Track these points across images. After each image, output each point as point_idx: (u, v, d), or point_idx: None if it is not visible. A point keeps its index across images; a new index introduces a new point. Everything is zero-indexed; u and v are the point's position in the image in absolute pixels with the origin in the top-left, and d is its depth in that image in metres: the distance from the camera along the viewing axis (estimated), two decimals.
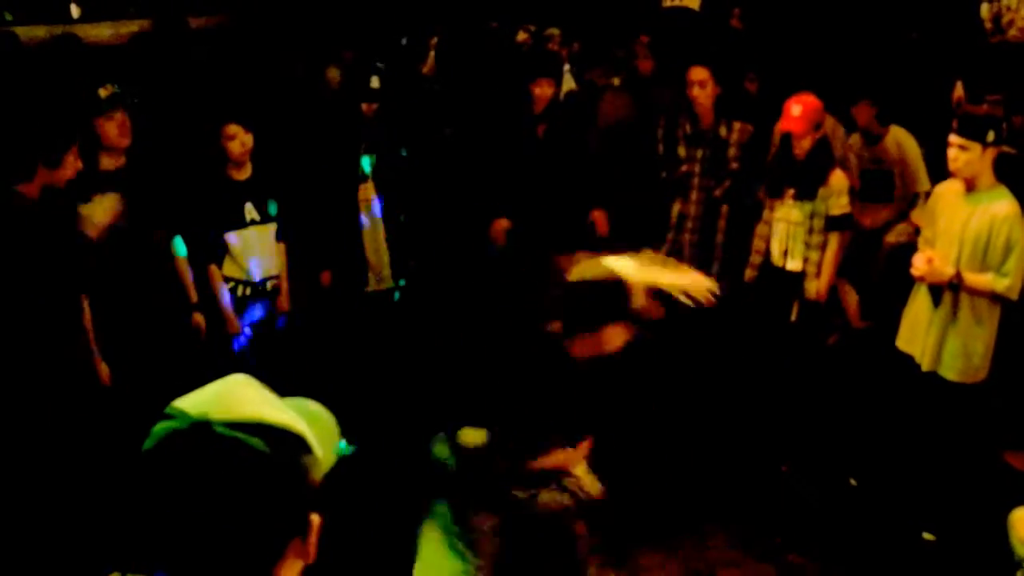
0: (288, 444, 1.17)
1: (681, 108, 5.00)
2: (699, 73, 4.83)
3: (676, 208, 5.05)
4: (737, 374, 5.01)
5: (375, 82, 4.97)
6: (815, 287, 4.48)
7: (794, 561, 3.97)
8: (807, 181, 4.42)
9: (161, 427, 1.15)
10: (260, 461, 1.13)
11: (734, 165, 4.94)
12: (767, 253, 4.63)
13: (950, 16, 6.46)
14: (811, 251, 4.45)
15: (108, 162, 3.99)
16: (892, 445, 4.36)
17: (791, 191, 4.48)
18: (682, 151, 4.98)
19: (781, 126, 4.41)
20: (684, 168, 4.98)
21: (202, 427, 1.12)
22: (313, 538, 1.22)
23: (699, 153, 4.95)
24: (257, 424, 1.14)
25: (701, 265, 4.94)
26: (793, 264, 4.52)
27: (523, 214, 5.29)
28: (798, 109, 4.35)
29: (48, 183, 3.46)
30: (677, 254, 5.04)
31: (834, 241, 4.45)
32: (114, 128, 3.91)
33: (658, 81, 5.93)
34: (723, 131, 4.93)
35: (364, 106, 4.98)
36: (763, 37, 6.81)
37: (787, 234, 4.53)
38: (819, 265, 4.45)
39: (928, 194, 5.02)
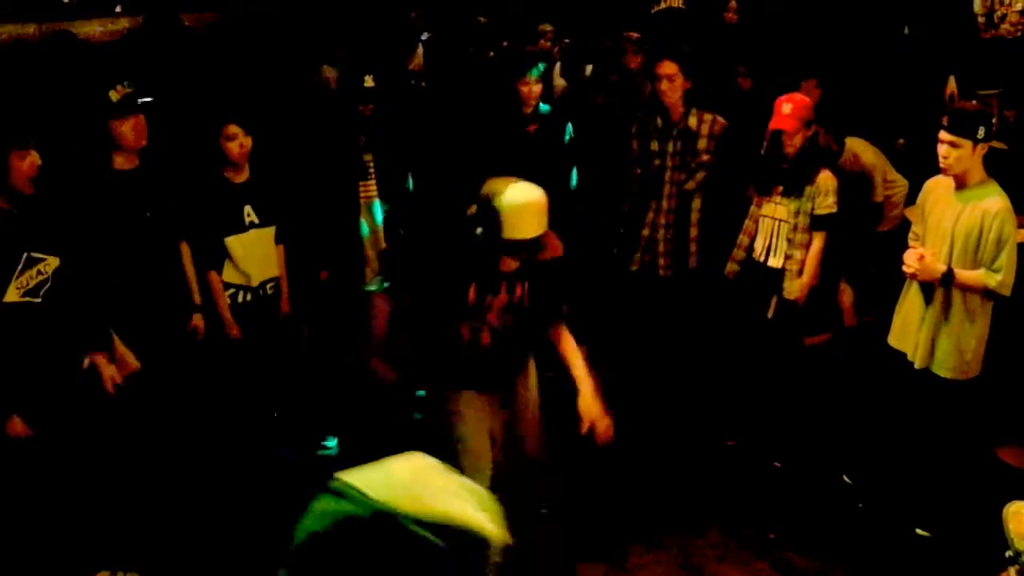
0: (475, 547, 1.10)
1: (654, 103, 4.97)
2: (667, 67, 4.77)
3: (652, 204, 5.02)
4: (730, 369, 5.01)
5: (369, 81, 4.91)
6: (796, 286, 4.46)
7: (787, 557, 3.97)
8: (794, 178, 4.41)
9: (331, 507, 1.07)
10: (444, 561, 1.05)
11: (705, 157, 4.87)
12: (750, 248, 4.62)
13: (943, 11, 6.45)
14: (794, 249, 4.44)
15: (122, 162, 3.93)
16: (885, 442, 4.36)
17: (779, 188, 4.47)
18: (655, 146, 4.94)
19: (772, 124, 4.39)
20: (657, 163, 4.95)
21: (387, 519, 1.04)
22: None
23: (671, 146, 4.90)
24: (445, 524, 1.06)
25: (677, 260, 4.96)
26: (775, 261, 4.51)
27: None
28: (788, 107, 4.34)
29: (12, 192, 3.36)
30: (652, 250, 5.02)
31: (818, 241, 4.42)
32: (130, 130, 3.84)
33: (646, 76, 5.93)
34: (693, 123, 4.87)
35: (360, 106, 4.94)
36: (756, 32, 6.81)
37: (771, 231, 4.52)
38: (801, 264, 4.44)
39: (881, 205, 5.06)
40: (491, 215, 3.07)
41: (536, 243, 3.11)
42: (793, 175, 4.42)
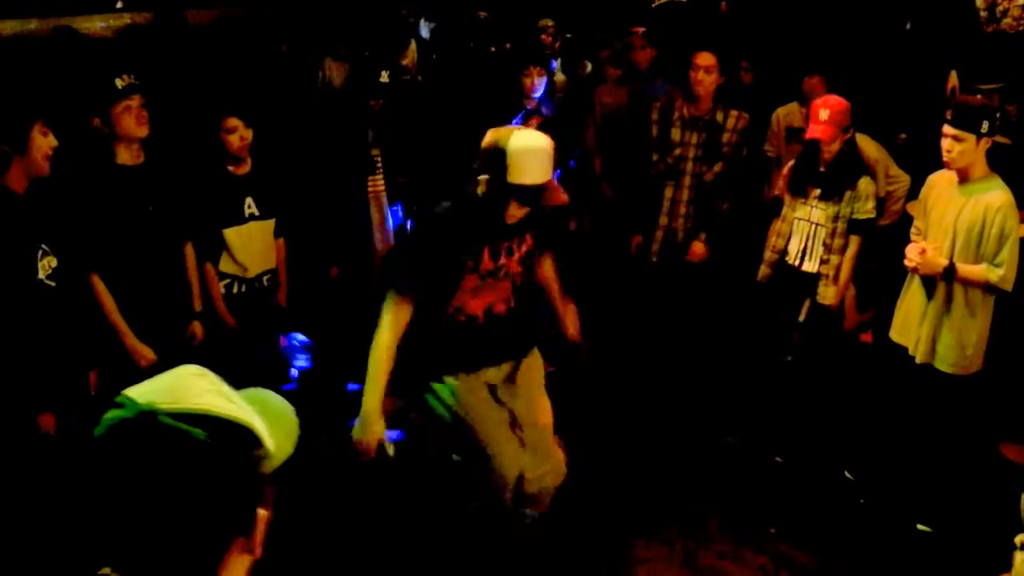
0: (235, 437, 1.17)
1: (679, 92, 4.99)
2: (706, 59, 4.82)
3: (668, 193, 5.03)
4: (736, 367, 5.01)
5: (384, 76, 4.93)
6: (832, 292, 4.41)
7: (789, 552, 3.97)
8: (834, 183, 4.34)
9: (110, 415, 1.15)
10: (203, 452, 1.13)
11: (726, 150, 4.93)
12: (784, 252, 4.56)
13: (944, 5, 6.44)
14: (832, 254, 4.37)
15: (126, 156, 3.87)
16: (887, 437, 4.35)
17: (815, 191, 4.41)
18: (676, 135, 4.96)
19: (809, 133, 4.29)
20: (677, 152, 4.96)
21: (147, 416, 1.13)
22: (259, 534, 1.21)
23: (694, 138, 4.94)
24: (203, 415, 1.15)
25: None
26: (809, 265, 4.46)
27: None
28: (826, 113, 4.22)
29: (30, 172, 3.34)
30: (671, 239, 5.04)
31: (854, 245, 4.36)
32: (131, 118, 3.79)
33: (655, 71, 5.94)
34: (720, 117, 4.92)
35: (371, 101, 4.93)
36: (758, 27, 6.81)
37: (807, 234, 4.45)
38: (837, 269, 4.39)
39: (887, 197, 5.04)
40: (498, 160, 3.02)
41: (542, 189, 3.07)
42: (833, 179, 4.34)
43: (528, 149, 3.03)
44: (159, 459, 1.12)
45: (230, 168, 4.31)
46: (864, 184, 4.33)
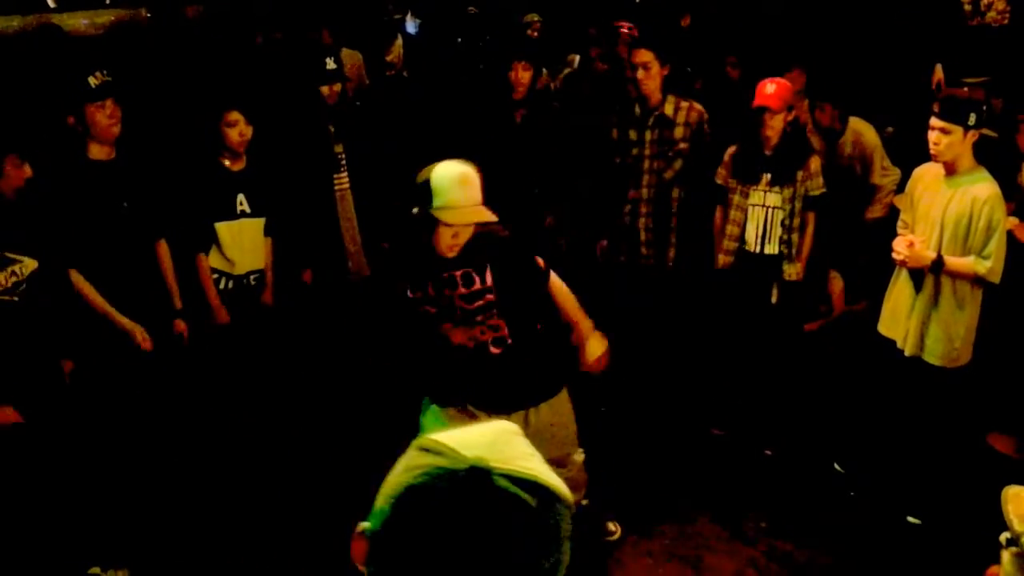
0: (555, 509, 1.09)
1: (635, 91, 4.96)
2: (642, 56, 4.77)
3: (630, 193, 5.01)
4: (720, 359, 5.01)
5: (331, 63, 4.87)
6: (796, 268, 4.48)
7: (779, 546, 3.98)
8: (785, 166, 4.41)
9: (427, 460, 1.08)
10: (534, 521, 1.06)
11: (682, 145, 4.85)
12: (741, 239, 4.59)
13: None
14: (792, 233, 4.45)
15: (97, 151, 3.86)
16: (876, 429, 4.37)
17: (766, 176, 4.46)
18: (633, 134, 4.92)
19: (755, 102, 4.35)
20: (635, 151, 4.94)
21: (481, 474, 1.05)
22: None
23: (648, 135, 4.89)
24: (533, 481, 1.07)
25: (657, 250, 4.95)
26: (771, 248, 4.51)
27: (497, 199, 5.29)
28: (772, 87, 4.35)
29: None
30: (633, 239, 5.00)
31: (812, 222, 4.47)
32: (104, 117, 3.79)
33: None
34: (669, 110, 4.84)
35: (325, 90, 4.85)
36: (745, 21, 6.82)
37: (764, 219, 4.50)
38: (799, 245, 4.46)
39: (878, 188, 5.07)
40: (423, 190, 3.03)
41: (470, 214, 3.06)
42: (782, 163, 4.41)
43: (449, 175, 3.02)
44: (493, 521, 1.04)
45: (225, 163, 4.28)
46: (814, 162, 4.44)
